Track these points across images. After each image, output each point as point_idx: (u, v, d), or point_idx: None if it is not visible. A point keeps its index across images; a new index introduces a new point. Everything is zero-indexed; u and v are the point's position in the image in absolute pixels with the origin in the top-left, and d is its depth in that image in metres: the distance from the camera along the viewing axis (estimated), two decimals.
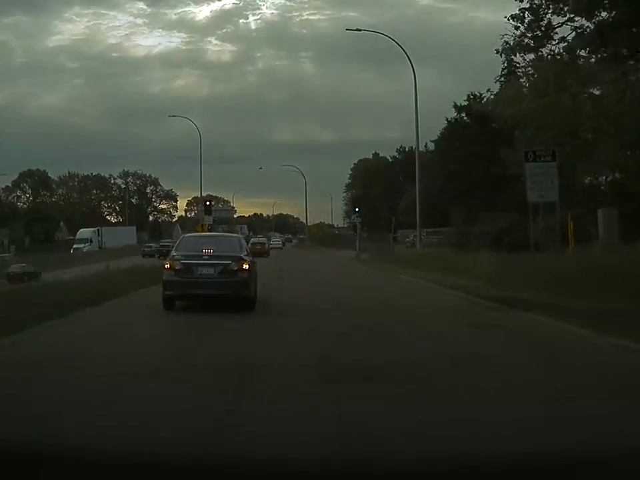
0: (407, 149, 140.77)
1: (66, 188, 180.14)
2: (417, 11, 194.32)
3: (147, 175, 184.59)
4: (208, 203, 66.04)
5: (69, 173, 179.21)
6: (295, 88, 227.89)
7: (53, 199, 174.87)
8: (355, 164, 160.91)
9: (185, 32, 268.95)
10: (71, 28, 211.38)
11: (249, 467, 3.08)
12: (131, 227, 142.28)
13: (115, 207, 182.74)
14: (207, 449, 5.76)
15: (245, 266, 20.70)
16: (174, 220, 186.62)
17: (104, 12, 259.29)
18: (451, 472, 2.96)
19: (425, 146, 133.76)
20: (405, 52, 53.96)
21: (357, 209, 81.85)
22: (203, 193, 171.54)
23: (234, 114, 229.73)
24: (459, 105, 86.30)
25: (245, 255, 21.62)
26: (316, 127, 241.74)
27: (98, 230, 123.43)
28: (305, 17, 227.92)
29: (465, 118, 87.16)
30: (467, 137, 75.65)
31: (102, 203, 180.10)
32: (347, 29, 62.47)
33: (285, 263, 57.41)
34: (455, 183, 68.86)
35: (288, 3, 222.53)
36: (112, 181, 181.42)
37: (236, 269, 20.34)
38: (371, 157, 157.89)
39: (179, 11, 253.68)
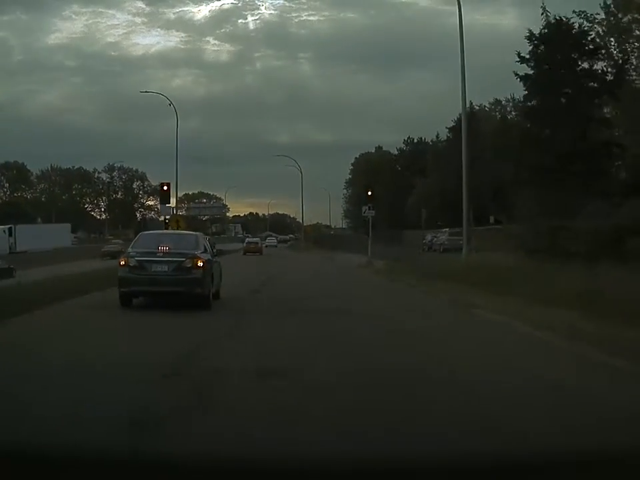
0: (415, 140, 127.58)
1: (47, 182, 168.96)
2: (415, 13, 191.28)
3: (134, 169, 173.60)
4: (165, 188, 48.02)
5: (51, 166, 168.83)
6: (293, 89, 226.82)
7: (36, 194, 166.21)
8: (356, 158, 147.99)
9: (184, 31, 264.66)
10: (69, 26, 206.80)
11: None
12: (63, 225, 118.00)
13: (98, 202, 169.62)
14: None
15: (199, 263, 20.55)
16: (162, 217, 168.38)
17: (102, 10, 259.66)
18: (452, 472, 3.16)
19: (437, 136, 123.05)
20: None
21: (368, 205, 56.91)
22: (194, 190, 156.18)
23: (232, 114, 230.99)
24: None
25: (202, 253, 21.51)
26: (313, 128, 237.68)
27: (9, 229, 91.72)
28: (304, 17, 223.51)
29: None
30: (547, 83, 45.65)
31: (84, 198, 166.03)
32: None
33: (271, 273, 43.16)
34: (528, 153, 46.31)
35: (287, 4, 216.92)
36: (96, 175, 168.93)
37: (189, 266, 20.32)
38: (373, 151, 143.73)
39: (177, 10, 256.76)
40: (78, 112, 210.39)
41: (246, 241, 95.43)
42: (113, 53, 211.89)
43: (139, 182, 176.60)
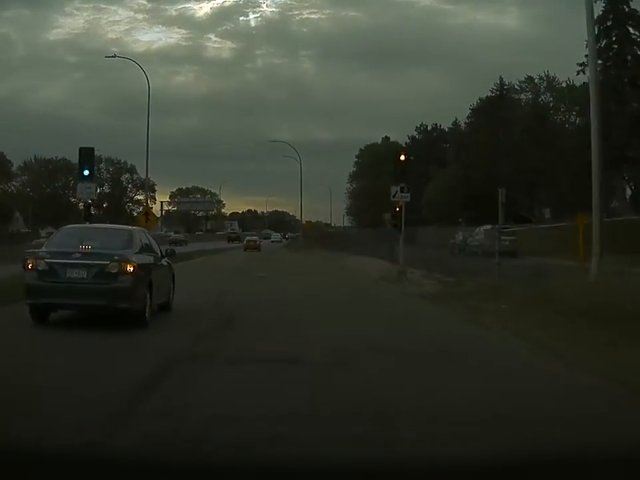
0: (428, 128, 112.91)
1: (30, 174, 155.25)
2: (418, 12, 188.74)
3: (122, 161, 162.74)
4: (85, 154, 29.94)
5: (34, 157, 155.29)
6: (294, 86, 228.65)
7: (18, 186, 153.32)
8: (361, 149, 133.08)
9: (185, 28, 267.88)
10: (71, 22, 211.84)
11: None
12: None
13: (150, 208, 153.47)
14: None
15: (129, 268, 15.41)
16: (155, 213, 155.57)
17: (104, 6, 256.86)
18: (451, 472, 2.97)
19: (455, 121, 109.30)
20: None
21: (400, 185, 36.38)
22: (188, 185, 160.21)
23: (233, 111, 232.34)
24: None
25: (136, 253, 16.23)
26: (314, 126, 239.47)
27: None
28: (305, 15, 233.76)
29: None
30: None
31: (68, 192, 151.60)
32: None
33: (256, 290, 27.43)
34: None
35: (288, 2, 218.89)
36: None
37: (115, 271, 15.28)
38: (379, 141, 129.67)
39: (179, 7, 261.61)
40: (78, 107, 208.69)
41: (246, 239, 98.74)
42: (114, 49, 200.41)
43: (128, 175, 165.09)
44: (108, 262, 15.49)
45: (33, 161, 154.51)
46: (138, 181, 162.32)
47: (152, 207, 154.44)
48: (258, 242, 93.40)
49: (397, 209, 35.85)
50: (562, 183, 75.86)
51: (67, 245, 16.37)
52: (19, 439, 6.33)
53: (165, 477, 3.21)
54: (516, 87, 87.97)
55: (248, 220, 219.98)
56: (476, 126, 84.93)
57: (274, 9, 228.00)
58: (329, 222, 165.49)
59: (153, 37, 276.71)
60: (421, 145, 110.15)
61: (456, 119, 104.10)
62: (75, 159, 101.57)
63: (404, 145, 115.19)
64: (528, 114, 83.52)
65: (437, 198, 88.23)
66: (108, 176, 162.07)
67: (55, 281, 15.46)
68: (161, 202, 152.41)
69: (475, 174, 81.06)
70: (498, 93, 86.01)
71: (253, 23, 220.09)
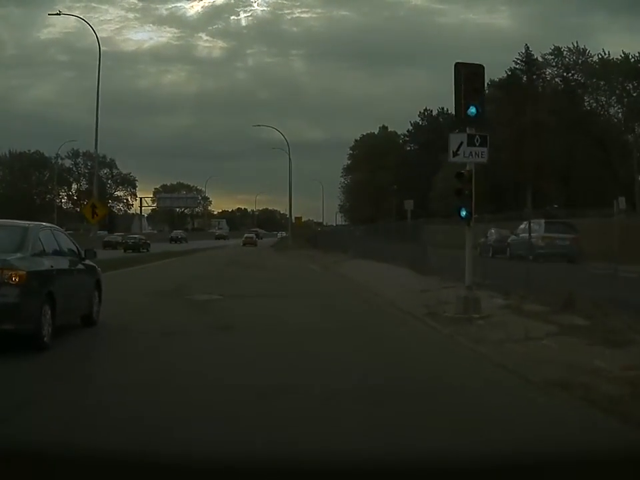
0: (432, 113, 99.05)
1: (3, 169, 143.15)
2: (409, 12, 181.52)
3: (101, 155, 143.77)
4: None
5: (9, 152, 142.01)
6: (285, 86, 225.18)
7: None
8: (356, 140, 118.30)
9: (176, 27, 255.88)
10: (62, 21, 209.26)
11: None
12: None
13: (59, 191, 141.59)
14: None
15: (14, 277, 11.88)
16: (134, 210, 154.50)
17: (95, 5, 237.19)
18: (451, 472, 2.95)
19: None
20: None
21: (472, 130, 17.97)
22: (173, 182, 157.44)
23: (223, 110, 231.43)
24: None
25: (27, 258, 12.62)
26: (306, 125, 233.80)
27: None
28: (297, 14, 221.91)
29: None
30: None
31: (41, 187, 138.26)
32: None
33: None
34: None
35: (279, 1, 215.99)
36: (59, 162, 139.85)
37: None
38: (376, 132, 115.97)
39: (170, 6, 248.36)
40: (69, 106, 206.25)
41: (245, 235, 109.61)
42: (104, 48, 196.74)
43: (107, 169, 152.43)
44: None
45: (7, 155, 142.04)
46: (118, 176, 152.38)
47: (132, 204, 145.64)
48: (254, 238, 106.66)
49: (462, 182, 17.73)
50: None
51: None
52: None
53: None
54: (540, 60, 73.44)
55: (237, 218, 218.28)
56: (500, 102, 70.70)
57: (265, 8, 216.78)
58: (321, 220, 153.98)
59: (143, 36, 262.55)
60: (425, 132, 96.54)
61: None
62: (51, 152, 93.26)
63: (407, 132, 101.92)
64: (557, 91, 69.67)
65: (448, 189, 74.17)
66: (86, 171, 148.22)
67: None
68: (140, 198, 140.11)
69: (496, 159, 67.24)
70: (524, 63, 71.53)
71: (244, 22, 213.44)
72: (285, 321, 15.74)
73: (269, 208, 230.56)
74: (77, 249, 15.40)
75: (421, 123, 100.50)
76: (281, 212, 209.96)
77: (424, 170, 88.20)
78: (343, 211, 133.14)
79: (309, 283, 26.69)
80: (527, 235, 37.62)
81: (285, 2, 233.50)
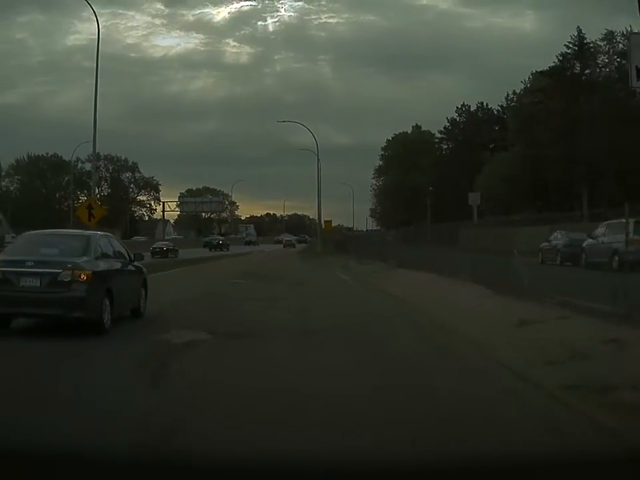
0: (471, 108, 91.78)
1: (21, 174, 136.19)
2: (435, 16, 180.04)
3: (123, 158, 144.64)
4: None
5: (28, 155, 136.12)
6: (313, 91, 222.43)
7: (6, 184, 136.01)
8: (388, 140, 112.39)
9: (203, 33, 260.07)
10: (88, 27, 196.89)
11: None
12: None
13: (79, 195, 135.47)
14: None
15: (82, 276, 14.80)
16: (157, 215, 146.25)
17: (122, 12, 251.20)
18: (451, 472, 2.96)
19: (507, 96, 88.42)
20: None
21: None
22: (198, 185, 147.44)
23: (251, 116, 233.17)
24: None
25: (92, 261, 15.54)
26: (332, 130, 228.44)
27: None
28: (323, 20, 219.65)
29: None
30: None
31: (60, 192, 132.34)
32: None
33: None
34: None
35: (306, 6, 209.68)
36: (79, 165, 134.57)
37: (68, 280, 14.67)
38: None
39: (197, 12, 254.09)
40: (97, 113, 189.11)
41: (284, 240, 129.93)
42: (132, 55, 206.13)
43: (129, 173, 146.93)
44: (60, 270, 14.87)
45: (26, 159, 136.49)
46: (141, 180, 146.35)
47: (155, 209, 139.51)
48: (293, 241, 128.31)
49: None
50: None
51: (22, 252, 15.82)
52: None
53: None
54: (591, 46, 65.62)
55: (265, 224, 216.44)
56: (545, 93, 63.26)
57: (292, 14, 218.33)
58: (351, 225, 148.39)
59: (171, 42, 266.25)
60: (463, 129, 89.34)
61: (508, 94, 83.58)
62: (67, 155, 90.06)
63: (443, 129, 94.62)
64: (610, 79, 62.11)
65: (493, 188, 66.81)
66: (107, 174, 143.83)
67: (9, 290, 14.83)
68: (163, 202, 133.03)
69: (545, 155, 59.94)
70: (576, 48, 63.75)
71: (271, 28, 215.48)
72: (304, 407, 8.02)
73: (298, 213, 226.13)
74: (127, 252, 17.99)
75: (458, 119, 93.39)
76: (310, 217, 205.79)
77: (463, 168, 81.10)
78: (375, 215, 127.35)
79: (344, 307, 19.11)
80: (611, 237, 30.58)
81: (311, 7, 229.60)
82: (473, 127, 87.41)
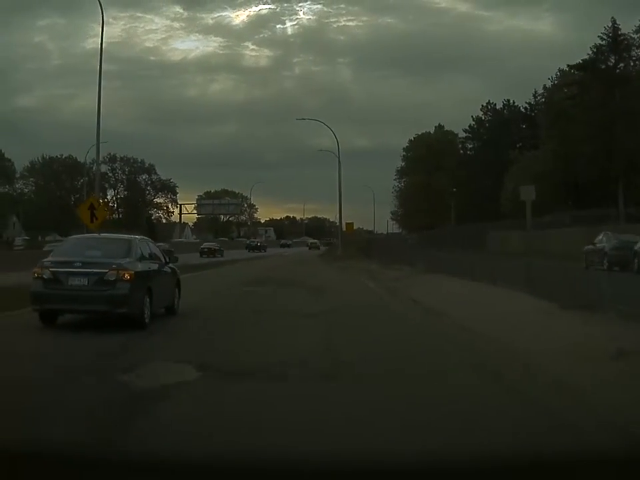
0: (497, 106, 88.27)
1: (35, 176, 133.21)
2: (454, 19, 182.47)
3: (140, 160, 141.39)
4: None
5: (42, 157, 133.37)
6: (332, 94, 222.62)
7: (20, 187, 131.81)
8: (410, 140, 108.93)
9: (222, 36, 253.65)
10: (107, 30, 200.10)
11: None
12: None
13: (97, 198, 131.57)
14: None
15: (126, 275, 16.23)
16: (176, 218, 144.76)
17: (140, 15, 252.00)
18: (451, 472, 3.00)
19: (535, 93, 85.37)
20: None
21: None
22: (217, 188, 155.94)
23: (270, 119, 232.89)
24: None
25: (134, 261, 16.96)
26: (352, 133, 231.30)
27: None
28: (342, 23, 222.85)
29: None
30: None
31: (74, 195, 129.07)
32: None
33: None
34: None
35: (325, 9, 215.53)
36: (94, 167, 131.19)
37: (113, 279, 16.10)
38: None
39: (215, 15, 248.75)
40: (114, 116, 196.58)
41: (310, 242, 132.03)
42: (151, 58, 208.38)
43: (146, 176, 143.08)
44: (106, 270, 16.18)
45: (40, 160, 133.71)
46: (158, 182, 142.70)
47: (172, 211, 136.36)
48: (318, 243, 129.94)
49: None
50: None
51: (70, 254, 17.03)
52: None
53: None
54: (625, 39, 61.67)
55: (285, 227, 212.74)
56: (581, 86, 59.52)
57: (311, 17, 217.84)
58: (372, 228, 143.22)
59: (190, 46, 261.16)
60: (488, 128, 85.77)
61: (535, 91, 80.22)
62: (81, 156, 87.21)
63: (468, 128, 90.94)
64: None
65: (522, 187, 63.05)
66: (123, 177, 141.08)
67: (59, 289, 16.15)
68: (180, 204, 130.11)
69: (579, 152, 56.29)
70: (610, 40, 59.87)
71: (290, 31, 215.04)
72: None
73: (318, 216, 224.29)
74: (163, 255, 19.59)
75: (483, 118, 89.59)
76: (330, 220, 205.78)
77: (489, 168, 77.42)
78: (396, 218, 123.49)
79: (375, 326, 15.55)
80: None
81: (330, 10, 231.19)
82: (499, 125, 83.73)
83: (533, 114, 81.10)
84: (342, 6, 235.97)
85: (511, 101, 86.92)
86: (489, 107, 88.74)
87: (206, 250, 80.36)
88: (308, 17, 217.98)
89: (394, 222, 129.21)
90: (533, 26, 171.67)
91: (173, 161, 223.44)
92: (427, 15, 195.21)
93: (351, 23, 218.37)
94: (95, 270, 15.96)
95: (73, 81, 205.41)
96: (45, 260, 16.86)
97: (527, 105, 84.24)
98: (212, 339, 14.45)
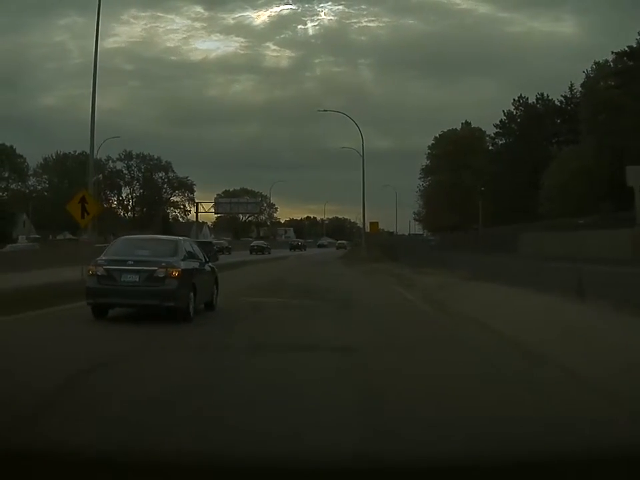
0: (529, 100, 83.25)
1: (48, 173, 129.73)
2: (475, 20, 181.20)
3: (155, 157, 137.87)
4: None
5: (56, 154, 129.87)
6: (353, 95, 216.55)
7: (33, 184, 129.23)
8: (436, 137, 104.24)
9: (243, 37, 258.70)
10: (127, 30, 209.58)
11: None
12: None
13: (108, 196, 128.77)
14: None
15: (174, 273, 17.60)
16: (193, 217, 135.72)
17: (161, 15, 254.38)
18: (452, 471, 2.98)
19: (570, 87, 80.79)
20: None
21: None
22: (236, 188, 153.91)
23: (291, 120, 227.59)
24: None
25: (181, 260, 18.20)
26: (373, 134, 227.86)
27: None
28: (364, 23, 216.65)
29: None
30: None
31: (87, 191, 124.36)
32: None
33: None
34: None
35: (346, 10, 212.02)
36: (111, 164, 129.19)
37: (162, 276, 17.49)
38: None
39: (236, 15, 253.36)
40: (135, 115, 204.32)
41: (338, 242, 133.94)
42: (172, 58, 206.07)
43: (163, 173, 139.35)
44: (156, 268, 17.39)
45: (54, 157, 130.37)
46: (175, 180, 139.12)
47: (189, 210, 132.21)
48: (345, 244, 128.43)
49: None
50: None
51: (121, 253, 18.15)
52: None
53: None
54: None
55: (306, 227, 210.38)
56: (628, 75, 54.42)
57: (332, 17, 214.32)
58: (392, 230, 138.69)
59: (210, 46, 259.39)
60: (521, 123, 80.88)
61: (571, 84, 75.52)
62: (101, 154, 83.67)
63: (499, 123, 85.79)
64: None
65: (565, 185, 57.76)
66: (139, 174, 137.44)
67: (112, 285, 17.39)
68: (197, 203, 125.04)
69: (628, 145, 51.21)
70: None
71: (311, 32, 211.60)
72: None
73: (339, 217, 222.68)
74: (203, 255, 20.50)
75: (515, 113, 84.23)
76: (351, 220, 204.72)
77: (521, 166, 72.28)
78: (419, 218, 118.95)
79: (432, 365, 10.18)
80: None
81: (351, 11, 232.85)
82: (533, 119, 78.51)
83: (569, 107, 76.24)
84: (363, 7, 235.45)
85: (545, 94, 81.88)
86: (521, 101, 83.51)
87: (255, 247, 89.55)
88: (329, 18, 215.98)
89: (417, 222, 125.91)
90: (554, 28, 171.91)
91: (193, 161, 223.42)
92: (448, 16, 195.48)
93: (372, 24, 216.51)
94: (145, 268, 17.26)
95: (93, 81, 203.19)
96: (99, 258, 18.03)
97: (562, 98, 79.23)
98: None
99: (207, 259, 20.69)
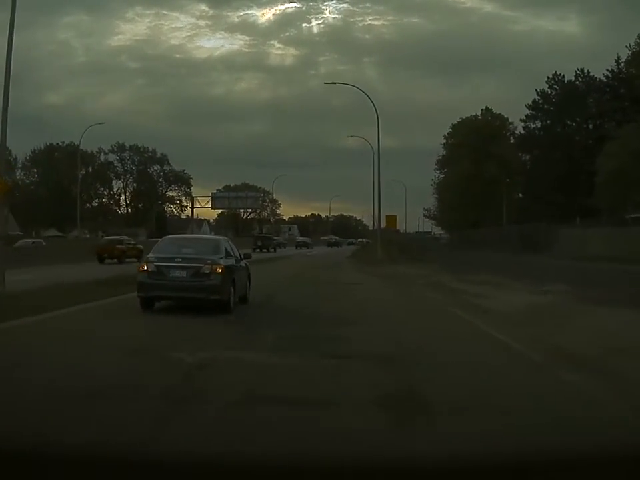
0: (565, 79, 73.33)
1: (38, 166, 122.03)
2: (480, 19, 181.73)
3: (150, 149, 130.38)
4: None
5: (45, 145, 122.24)
6: (358, 93, 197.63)
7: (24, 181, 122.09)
8: (453, 125, 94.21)
9: (248, 35, 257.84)
10: (132, 28, 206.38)
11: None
12: None
13: (100, 191, 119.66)
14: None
15: (218, 269, 19.37)
16: (194, 213, 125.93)
17: (166, 13, 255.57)
18: (452, 471, 2.96)
19: (617, 60, 70.37)
20: None
21: None
22: (236, 182, 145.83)
23: (296, 118, 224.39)
24: None
25: (222, 258, 20.03)
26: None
27: None
28: (368, 22, 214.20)
29: None
30: None
31: (75, 186, 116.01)
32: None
33: None
34: None
35: (351, 8, 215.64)
36: (101, 157, 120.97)
37: (208, 272, 19.22)
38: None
39: (241, 13, 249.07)
40: (141, 114, 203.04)
41: (348, 241, 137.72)
42: (177, 56, 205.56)
43: (158, 166, 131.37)
44: (202, 265, 19.04)
45: (43, 148, 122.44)
46: (171, 174, 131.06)
47: (186, 206, 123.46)
48: (355, 242, 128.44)
49: None
50: None
51: (168, 251, 19.82)
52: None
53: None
54: None
55: (310, 225, 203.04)
56: None
57: (336, 16, 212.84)
58: (403, 228, 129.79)
59: (215, 44, 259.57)
60: (557, 104, 71.12)
61: (618, 57, 65.96)
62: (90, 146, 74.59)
63: (531, 104, 75.86)
64: None
65: (622, 172, 47.83)
66: (133, 167, 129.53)
67: (162, 279, 18.94)
68: (193, 197, 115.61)
69: None
70: None
71: (315, 30, 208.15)
72: None
73: (344, 214, 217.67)
74: (238, 252, 22.00)
75: (550, 92, 74.26)
76: (357, 218, 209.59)
77: (563, 152, 62.39)
78: (430, 215, 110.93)
79: None
80: None
81: (356, 9, 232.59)
82: (572, 98, 68.61)
83: (616, 83, 66.69)
84: (367, 5, 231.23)
85: (586, 70, 71.92)
86: (556, 79, 73.55)
87: (301, 243, 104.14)
88: (334, 16, 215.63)
89: (427, 219, 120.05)
90: (558, 27, 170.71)
91: (197, 159, 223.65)
92: (453, 14, 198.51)
93: (376, 22, 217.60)
94: (192, 264, 18.93)
95: (99, 79, 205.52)
96: (149, 256, 19.91)
97: (608, 73, 69.27)
98: None
99: (242, 256, 22.20)
